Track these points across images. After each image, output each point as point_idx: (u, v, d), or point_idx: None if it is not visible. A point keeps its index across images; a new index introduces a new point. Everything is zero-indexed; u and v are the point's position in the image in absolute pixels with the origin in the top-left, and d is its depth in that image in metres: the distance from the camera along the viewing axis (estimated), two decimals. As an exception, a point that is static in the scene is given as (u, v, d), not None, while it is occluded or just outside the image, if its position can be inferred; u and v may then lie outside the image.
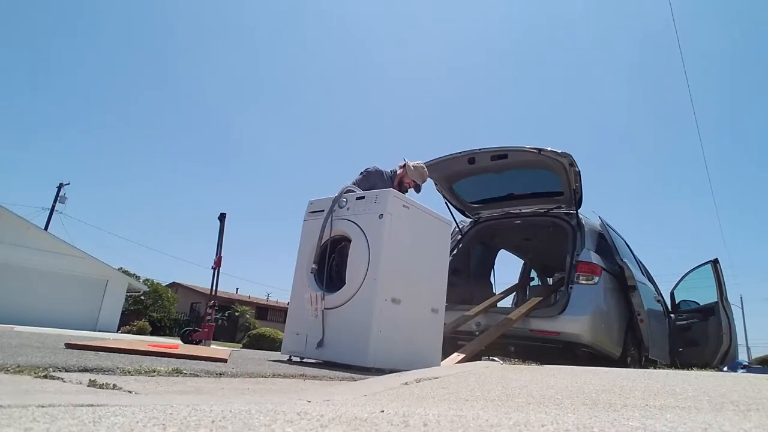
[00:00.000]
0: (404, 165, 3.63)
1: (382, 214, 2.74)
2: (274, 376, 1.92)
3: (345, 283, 2.78)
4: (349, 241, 2.87)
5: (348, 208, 2.93)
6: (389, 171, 3.69)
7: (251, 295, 31.51)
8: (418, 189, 3.71)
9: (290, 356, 2.97)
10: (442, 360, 3.14)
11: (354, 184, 3.43)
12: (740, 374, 2.48)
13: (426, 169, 3.70)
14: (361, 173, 3.56)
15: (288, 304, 3.61)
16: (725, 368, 5.62)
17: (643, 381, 1.68)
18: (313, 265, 2.98)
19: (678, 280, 6.49)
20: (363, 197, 2.91)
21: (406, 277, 2.83)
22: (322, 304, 2.75)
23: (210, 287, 5.82)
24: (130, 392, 1.19)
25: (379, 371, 2.45)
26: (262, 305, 30.42)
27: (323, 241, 2.99)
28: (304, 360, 2.88)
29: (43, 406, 0.72)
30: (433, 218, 3.15)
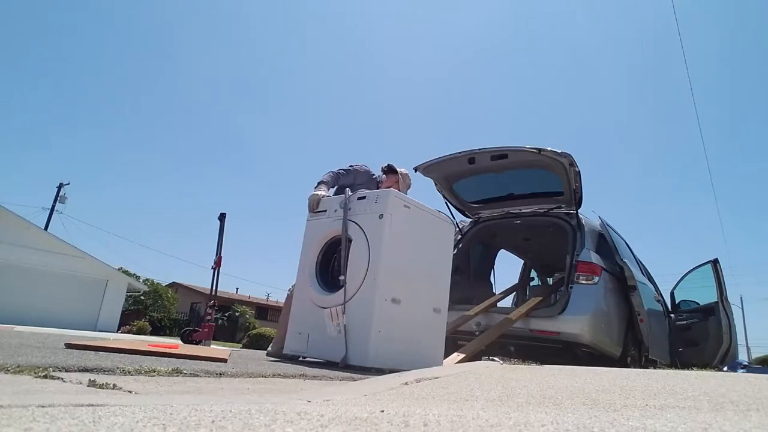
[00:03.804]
0: (393, 171, 3.64)
1: (382, 214, 2.74)
2: (274, 376, 1.92)
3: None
4: (351, 241, 2.87)
5: (349, 208, 2.92)
6: (377, 175, 3.69)
7: (251, 295, 31.53)
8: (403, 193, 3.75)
9: (293, 355, 2.98)
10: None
11: (333, 174, 3.46)
12: (740, 374, 2.48)
13: (410, 178, 3.75)
14: (347, 167, 3.56)
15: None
16: (725, 368, 5.62)
17: (643, 381, 1.68)
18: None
19: (678, 280, 6.50)
20: (364, 197, 2.91)
21: (407, 277, 2.83)
22: (344, 318, 2.66)
23: (210, 287, 5.82)
24: (130, 392, 1.19)
25: (379, 371, 2.45)
26: (262, 305, 30.41)
27: (326, 243, 3.02)
28: (308, 359, 2.89)
29: (43, 406, 0.72)
30: (435, 218, 3.15)
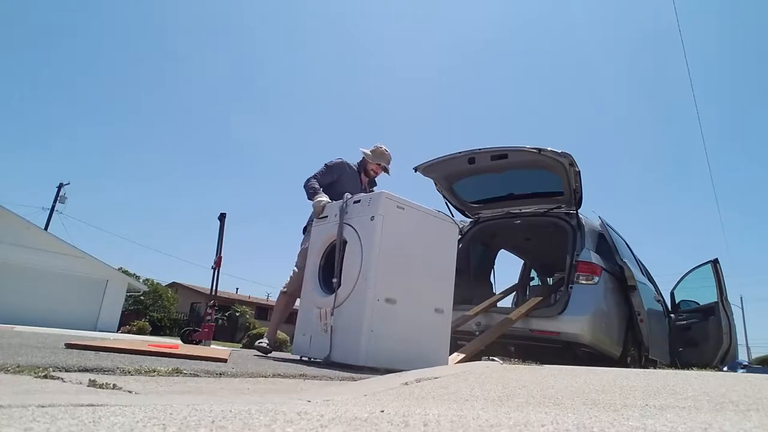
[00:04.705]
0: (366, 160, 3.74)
1: (373, 216, 2.77)
2: (274, 376, 1.93)
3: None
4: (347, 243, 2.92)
5: (346, 212, 2.97)
6: (355, 163, 3.77)
7: (251, 295, 31.53)
8: (386, 171, 3.81)
9: (300, 356, 3.04)
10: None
11: (317, 177, 3.54)
12: (740, 374, 2.48)
13: (385, 148, 3.76)
14: (323, 168, 3.63)
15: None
16: (725, 368, 5.62)
17: (643, 381, 1.68)
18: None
19: (678, 280, 6.49)
20: (359, 201, 2.95)
21: (402, 277, 2.84)
22: (331, 320, 2.75)
23: (210, 287, 5.82)
24: (130, 392, 1.19)
25: (373, 369, 2.48)
26: (262, 305, 30.41)
27: (327, 246, 3.08)
28: (312, 360, 2.92)
29: (43, 406, 0.72)
30: (434, 218, 3.14)
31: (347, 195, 3.08)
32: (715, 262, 5.96)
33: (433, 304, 3.00)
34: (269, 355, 3.32)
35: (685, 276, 6.42)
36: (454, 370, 2.16)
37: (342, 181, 3.58)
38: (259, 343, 3.41)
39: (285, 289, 3.54)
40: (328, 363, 2.65)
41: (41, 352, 1.87)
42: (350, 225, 2.90)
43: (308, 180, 3.54)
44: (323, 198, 3.32)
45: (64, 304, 14.96)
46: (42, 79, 39.93)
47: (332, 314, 2.75)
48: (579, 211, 4.44)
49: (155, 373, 1.61)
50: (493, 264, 5.85)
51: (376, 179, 3.86)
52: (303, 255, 3.44)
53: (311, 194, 3.42)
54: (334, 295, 2.80)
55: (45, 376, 1.31)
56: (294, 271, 3.54)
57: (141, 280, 22.85)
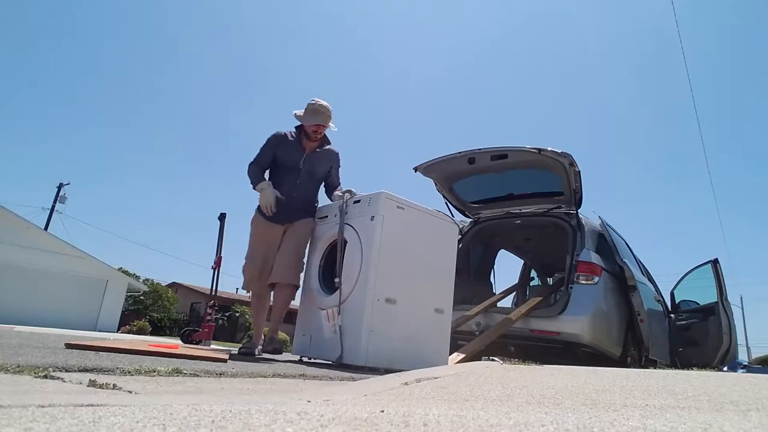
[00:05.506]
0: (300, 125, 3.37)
1: (373, 216, 2.77)
2: (274, 376, 1.93)
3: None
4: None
5: (346, 212, 2.98)
6: (293, 130, 3.40)
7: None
8: (325, 124, 3.28)
9: (301, 357, 3.04)
10: (442, 360, 3.14)
11: (254, 163, 3.31)
12: (740, 374, 2.48)
13: (320, 103, 3.27)
14: (261, 147, 3.36)
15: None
16: (725, 368, 5.62)
17: (643, 381, 1.68)
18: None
19: (678, 280, 6.50)
20: (359, 200, 2.95)
21: (402, 277, 2.84)
22: (339, 319, 2.74)
23: (210, 287, 5.81)
24: (130, 392, 1.19)
25: (373, 370, 2.49)
26: (262, 305, 30.30)
27: (327, 246, 3.09)
28: (312, 359, 2.93)
29: (43, 406, 0.72)
30: (434, 218, 3.15)
31: (347, 196, 3.06)
32: (715, 262, 5.97)
33: (433, 304, 3.00)
34: (261, 355, 3.20)
35: (685, 276, 6.42)
36: (454, 370, 2.16)
37: (281, 153, 3.29)
38: (242, 348, 3.26)
39: (246, 290, 3.41)
40: (341, 364, 2.63)
41: (41, 352, 1.87)
42: (350, 225, 2.90)
43: (249, 165, 3.28)
44: (266, 187, 3.14)
45: (64, 304, 14.98)
46: (42, 79, 39.98)
47: (339, 313, 2.74)
48: (579, 211, 4.44)
49: (155, 373, 1.61)
50: (493, 264, 5.85)
51: (328, 136, 3.43)
52: (255, 246, 3.32)
53: (253, 182, 3.22)
54: (338, 294, 2.79)
55: (45, 376, 1.31)
56: (246, 265, 3.35)
57: (141, 280, 22.85)
